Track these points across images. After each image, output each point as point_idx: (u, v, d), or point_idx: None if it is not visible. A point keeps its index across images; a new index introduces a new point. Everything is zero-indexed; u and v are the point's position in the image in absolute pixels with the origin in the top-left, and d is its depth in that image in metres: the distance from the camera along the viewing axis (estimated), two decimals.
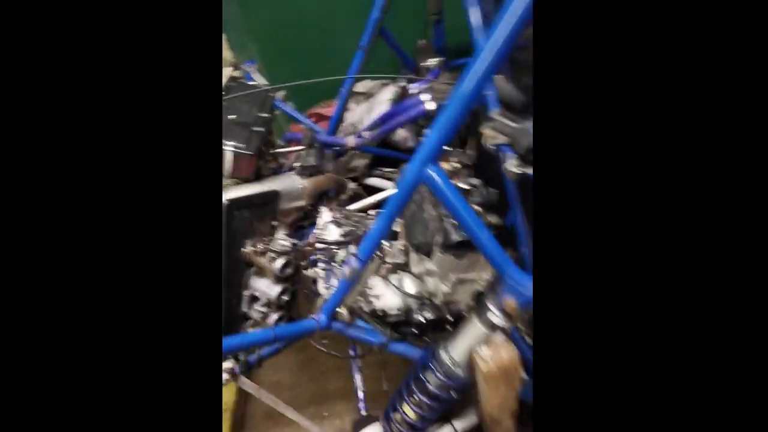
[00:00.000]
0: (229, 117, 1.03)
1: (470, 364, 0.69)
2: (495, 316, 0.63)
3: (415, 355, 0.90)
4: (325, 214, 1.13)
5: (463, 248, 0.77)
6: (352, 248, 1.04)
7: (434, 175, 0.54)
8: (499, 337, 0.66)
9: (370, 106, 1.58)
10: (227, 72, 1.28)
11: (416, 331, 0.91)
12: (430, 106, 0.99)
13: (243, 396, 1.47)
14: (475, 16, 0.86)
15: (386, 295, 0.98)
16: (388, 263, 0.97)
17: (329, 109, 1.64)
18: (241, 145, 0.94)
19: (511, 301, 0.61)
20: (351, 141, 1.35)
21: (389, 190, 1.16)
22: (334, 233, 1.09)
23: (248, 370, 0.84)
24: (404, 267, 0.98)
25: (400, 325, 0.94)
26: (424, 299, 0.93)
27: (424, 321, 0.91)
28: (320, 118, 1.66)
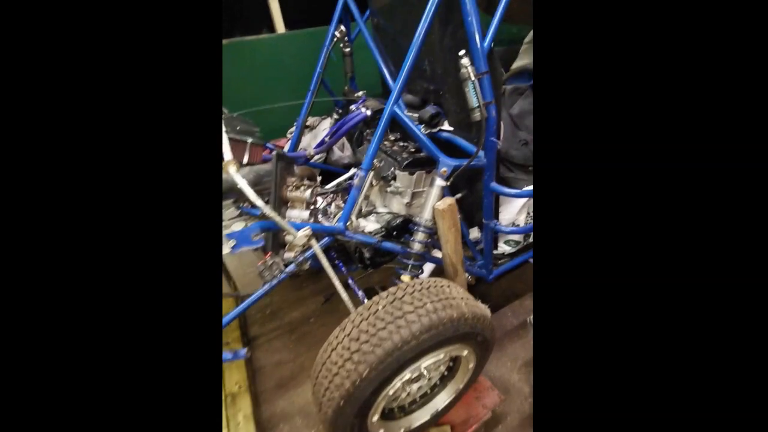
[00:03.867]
0: (238, 128, 1.49)
1: (434, 214, 1.25)
2: (439, 179, 1.24)
3: (396, 249, 1.39)
4: (307, 191, 1.61)
5: (410, 167, 1.39)
6: (339, 201, 1.53)
7: (397, 110, 1.17)
8: (444, 196, 1.26)
9: (314, 135, 2.18)
10: None
11: (394, 232, 1.43)
12: (369, 112, 1.65)
13: (251, 374, 1.61)
14: (387, 71, 1.60)
15: (368, 226, 1.50)
16: (362, 211, 1.51)
17: (281, 142, 2.17)
18: (256, 139, 1.41)
19: (443, 170, 1.24)
20: (311, 150, 1.90)
21: (347, 174, 1.71)
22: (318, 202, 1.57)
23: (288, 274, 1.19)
24: (371, 212, 1.53)
25: (384, 237, 1.45)
26: (393, 216, 1.47)
27: (396, 224, 1.45)
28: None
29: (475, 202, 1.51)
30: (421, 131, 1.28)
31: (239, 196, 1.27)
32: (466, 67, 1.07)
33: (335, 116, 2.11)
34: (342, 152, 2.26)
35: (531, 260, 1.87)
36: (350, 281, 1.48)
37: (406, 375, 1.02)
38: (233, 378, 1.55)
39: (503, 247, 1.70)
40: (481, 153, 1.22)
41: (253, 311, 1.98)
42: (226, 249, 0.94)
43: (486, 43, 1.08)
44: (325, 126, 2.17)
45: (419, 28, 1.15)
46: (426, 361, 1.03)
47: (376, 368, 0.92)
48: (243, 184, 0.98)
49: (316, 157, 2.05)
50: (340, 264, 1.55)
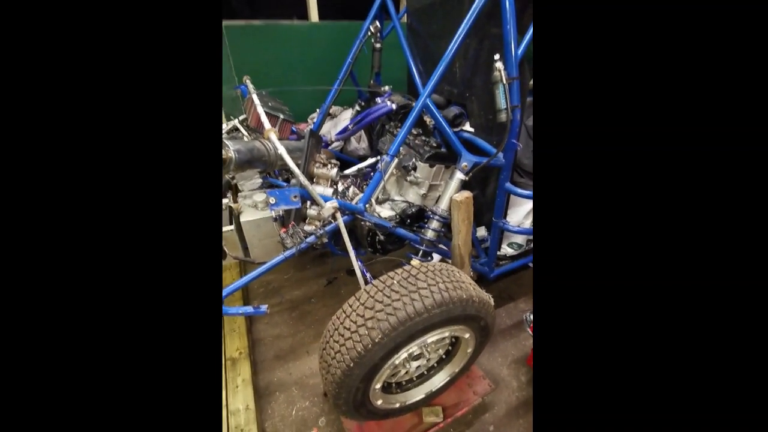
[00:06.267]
0: (270, 104, 1.55)
1: (450, 205, 1.33)
2: (460, 173, 1.32)
3: (408, 235, 1.46)
4: (334, 170, 1.67)
5: (431, 159, 1.46)
6: (356, 188, 1.60)
7: (429, 102, 1.25)
8: (462, 189, 1.34)
9: (335, 123, 2.25)
10: (226, 126, 1.76)
11: (408, 220, 1.50)
12: (394, 106, 1.73)
13: (251, 343, 1.65)
14: (416, 71, 1.68)
15: (383, 212, 1.56)
16: (379, 197, 1.58)
17: (301, 126, 2.23)
18: (287, 116, 1.47)
19: (464, 164, 1.32)
20: (332, 136, 1.96)
21: (368, 161, 1.78)
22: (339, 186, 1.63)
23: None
24: (386, 200, 1.61)
25: (398, 223, 1.52)
26: (408, 204, 1.55)
27: (411, 213, 1.52)
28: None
29: (485, 203, 1.60)
30: (447, 126, 1.36)
31: (266, 166, 1.33)
32: (499, 71, 1.16)
33: (357, 108, 2.19)
34: (358, 144, 2.34)
35: (530, 264, 1.96)
36: (359, 264, 1.54)
37: (413, 348, 1.08)
38: (234, 344, 1.59)
39: (506, 249, 1.78)
40: (500, 153, 1.31)
41: (256, 285, 2.02)
42: (256, 201, 0.99)
43: (519, 51, 1.17)
44: (346, 116, 2.24)
45: (459, 31, 1.24)
46: (432, 336, 1.10)
47: (389, 335, 0.98)
48: (283, 151, 1.04)
49: (334, 144, 2.13)
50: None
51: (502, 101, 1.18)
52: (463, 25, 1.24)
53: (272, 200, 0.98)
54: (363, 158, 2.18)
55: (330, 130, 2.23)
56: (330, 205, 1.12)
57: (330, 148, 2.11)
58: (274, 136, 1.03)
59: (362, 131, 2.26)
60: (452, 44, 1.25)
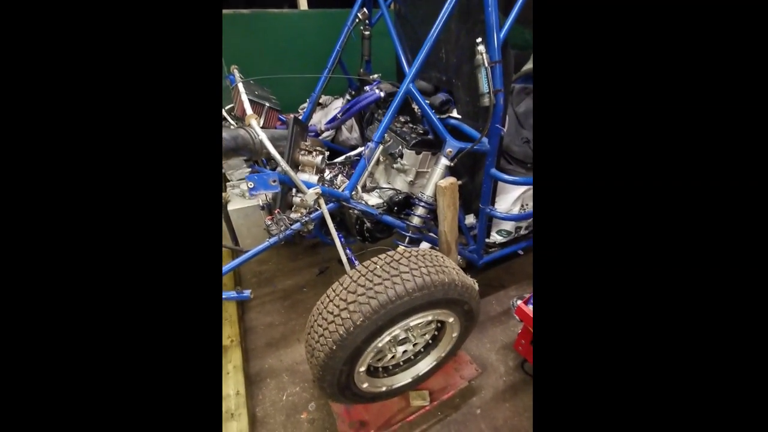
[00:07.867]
0: (257, 93, 1.55)
1: (435, 192, 1.33)
2: (444, 159, 1.32)
3: (395, 223, 1.47)
4: (319, 157, 1.68)
5: (417, 146, 1.46)
6: (344, 176, 1.60)
7: (413, 87, 1.25)
8: (447, 176, 1.34)
9: (325, 113, 2.24)
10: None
11: (395, 208, 1.51)
12: (382, 93, 1.72)
13: (243, 331, 1.67)
14: (404, 58, 1.67)
15: (370, 200, 1.57)
16: (367, 186, 1.58)
17: (291, 115, 2.22)
18: (273, 104, 1.47)
19: (449, 150, 1.32)
20: (322, 126, 1.96)
21: (356, 150, 1.78)
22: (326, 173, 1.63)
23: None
24: (374, 188, 1.61)
25: (385, 211, 1.53)
26: (395, 192, 1.55)
27: (398, 200, 1.52)
28: None
29: (474, 191, 1.60)
30: (432, 112, 1.36)
31: (252, 154, 1.33)
32: (481, 54, 1.15)
33: (347, 97, 2.18)
34: (350, 134, 2.33)
35: (520, 252, 1.97)
36: (348, 252, 1.55)
37: (396, 330, 1.09)
38: (225, 332, 1.61)
39: (495, 237, 1.79)
40: (485, 139, 1.31)
41: (248, 275, 2.04)
42: (244, 191, 0.99)
43: (501, 35, 1.16)
44: (336, 105, 2.23)
45: (441, 13, 1.23)
46: (415, 320, 1.11)
47: (370, 318, 1.00)
48: (263, 137, 1.04)
49: (325, 134, 2.13)
50: (340, 236, 1.62)
51: (484, 85, 1.18)
52: (444, 8, 1.23)
53: (250, 185, 0.98)
54: (355, 148, 2.17)
55: (320, 119, 2.22)
56: (312, 191, 1.13)
57: (321, 137, 2.11)
58: (255, 123, 1.03)
59: (353, 121, 2.26)
60: (434, 28, 1.24)
